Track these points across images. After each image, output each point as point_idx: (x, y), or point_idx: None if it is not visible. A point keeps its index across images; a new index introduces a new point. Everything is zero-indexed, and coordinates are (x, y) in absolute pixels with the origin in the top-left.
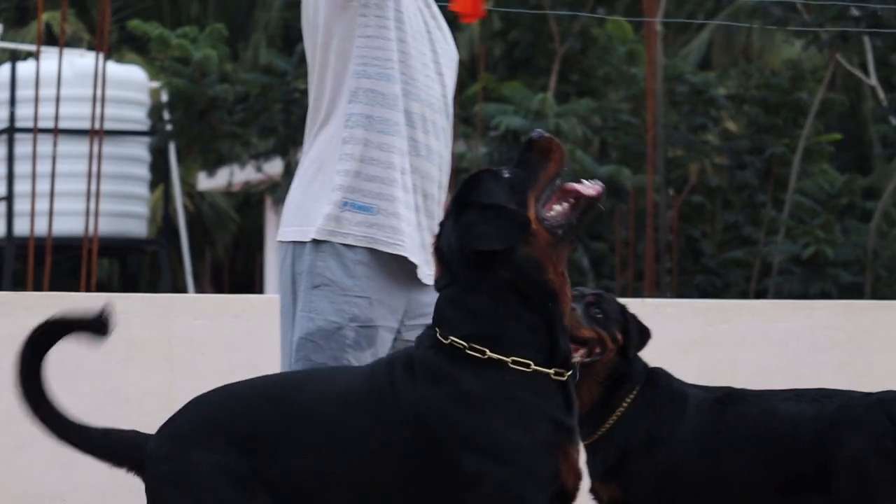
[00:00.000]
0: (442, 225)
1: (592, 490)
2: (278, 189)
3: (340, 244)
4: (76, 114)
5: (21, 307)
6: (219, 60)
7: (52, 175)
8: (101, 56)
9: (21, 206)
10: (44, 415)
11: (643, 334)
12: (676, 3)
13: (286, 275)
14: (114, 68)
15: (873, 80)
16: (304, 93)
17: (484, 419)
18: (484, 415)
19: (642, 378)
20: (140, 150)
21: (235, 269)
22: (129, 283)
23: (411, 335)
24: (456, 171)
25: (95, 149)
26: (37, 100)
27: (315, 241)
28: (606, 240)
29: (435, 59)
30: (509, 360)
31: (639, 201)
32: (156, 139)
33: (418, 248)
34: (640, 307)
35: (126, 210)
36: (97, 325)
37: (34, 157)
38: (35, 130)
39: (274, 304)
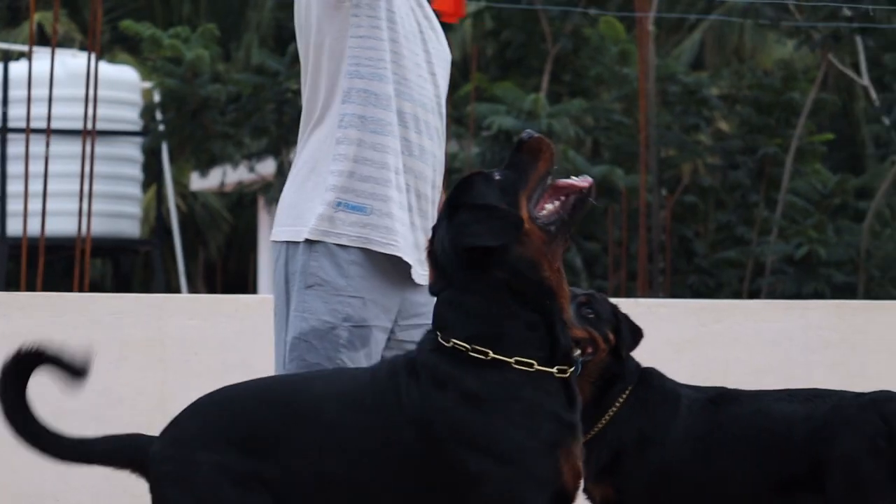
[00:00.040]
0: (435, 229)
1: (585, 490)
2: (271, 189)
3: (334, 244)
4: (68, 114)
5: (14, 307)
6: (211, 60)
7: (45, 175)
8: (93, 56)
9: (13, 206)
10: (38, 441)
11: (635, 334)
12: (668, 2)
13: (280, 275)
14: (106, 68)
15: (865, 80)
16: (297, 93)
17: (487, 420)
18: (487, 415)
19: (635, 378)
20: (133, 150)
21: (228, 270)
22: (122, 284)
23: (405, 335)
24: (448, 171)
25: (88, 149)
26: (29, 100)
27: (308, 241)
28: (599, 240)
29: (427, 59)
30: (512, 360)
31: (631, 201)
32: (148, 139)
33: (412, 248)
34: (633, 307)
35: (119, 210)
36: (76, 370)
37: (27, 157)
38: (27, 131)
39: (267, 304)
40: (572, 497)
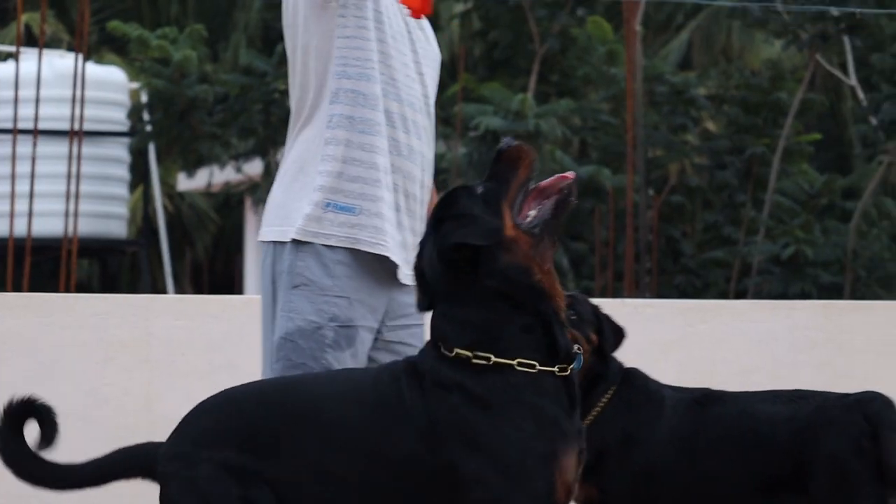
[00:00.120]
0: (422, 244)
1: None
2: (258, 190)
3: (321, 244)
4: (56, 115)
5: (2, 307)
6: (198, 61)
7: (32, 176)
8: (80, 57)
9: (0, 206)
10: (48, 479)
11: (617, 334)
12: (656, 3)
13: (267, 275)
14: (93, 69)
15: (853, 81)
16: (284, 93)
17: (490, 423)
18: (490, 419)
19: (618, 378)
20: (120, 150)
21: (215, 270)
22: (109, 284)
23: (392, 335)
24: (436, 172)
25: (75, 150)
26: (16, 101)
27: (295, 241)
28: (586, 240)
29: (415, 59)
30: (514, 362)
31: (619, 201)
32: (135, 140)
33: (400, 248)
34: (620, 307)
35: (106, 211)
36: (49, 433)
37: (13, 157)
38: (14, 131)
39: (253, 304)
40: None
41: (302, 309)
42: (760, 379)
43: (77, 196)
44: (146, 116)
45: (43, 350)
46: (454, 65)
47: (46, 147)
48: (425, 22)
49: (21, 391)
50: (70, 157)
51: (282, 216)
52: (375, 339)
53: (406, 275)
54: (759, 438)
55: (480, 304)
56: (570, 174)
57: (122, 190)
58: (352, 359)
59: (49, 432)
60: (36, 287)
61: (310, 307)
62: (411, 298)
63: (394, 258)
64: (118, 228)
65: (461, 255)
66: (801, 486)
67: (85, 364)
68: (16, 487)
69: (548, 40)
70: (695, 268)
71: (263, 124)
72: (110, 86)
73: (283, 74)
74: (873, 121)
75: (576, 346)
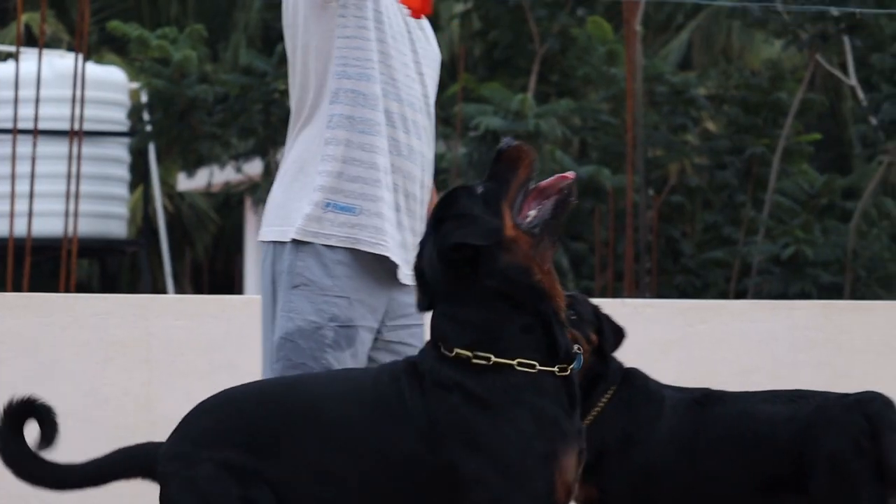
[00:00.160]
0: (422, 244)
1: None
2: (258, 190)
3: (321, 244)
4: (56, 115)
5: (2, 307)
6: (198, 61)
7: (32, 176)
8: (80, 57)
9: (0, 206)
10: (48, 479)
11: (617, 334)
12: (657, 3)
13: (267, 275)
14: (93, 69)
15: (853, 80)
16: (284, 93)
17: (490, 423)
18: (490, 419)
19: (618, 378)
20: (120, 150)
21: (215, 270)
22: (109, 284)
23: (392, 335)
24: (436, 172)
25: (75, 150)
26: (16, 101)
27: (295, 241)
28: (586, 240)
29: (415, 59)
30: (515, 362)
31: (618, 201)
32: (135, 140)
33: (399, 248)
34: (620, 307)
35: (106, 211)
36: (49, 433)
37: (13, 157)
38: (14, 131)
39: (253, 304)
40: None
41: (302, 309)
42: (760, 379)
43: (77, 196)
44: (146, 116)
45: (43, 350)
46: (454, 65)
47: (46, 147)
48: (425, 22)
49: (21, 391)
50: (70, 157)
51: (282, 216)
52: (375, 339)
53: (406, 275)
54: (760, 438)
55: (480, 304)
56: (569, 174)
57: (122, 190)
58: (352, 359)
59: (49, 432)
60: (36, 287)
61: (310, 307)
62: (411, 298)
63: (394, 258)
64: (118, 228)
65: (461, 254)
66: (802, 486)
67: (85, 364)
68: (16, 487)
69: (548, 40)
70: (695, 268)
71: (263, 124)
72: (110, 86)
73: (283, 74)
74: (873, 121)
75: (576, 346)
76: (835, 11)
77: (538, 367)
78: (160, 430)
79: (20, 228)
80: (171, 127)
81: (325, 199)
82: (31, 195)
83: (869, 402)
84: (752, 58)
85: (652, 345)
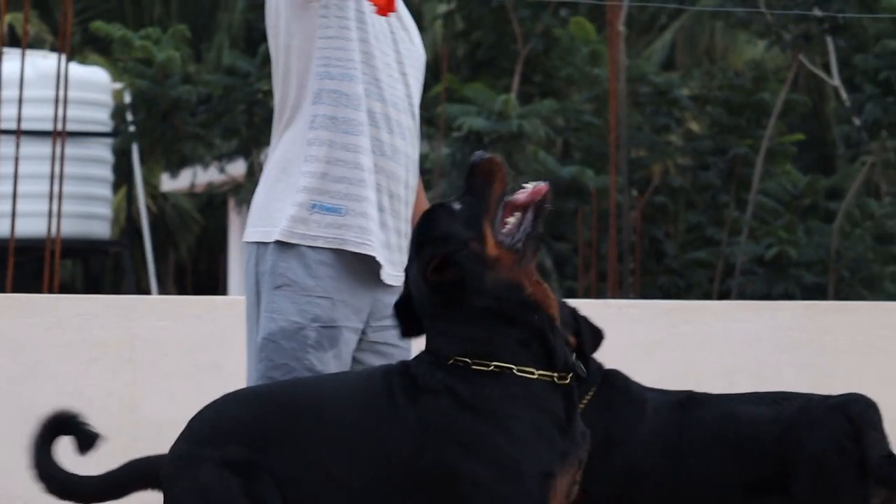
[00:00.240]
0: (407, 270)
1: None
2: (241, 190)
3: (304, 245)
4: (39, 115)
5: None
6: (181, 62)
7: (15, 176)
8: (63, 57)
9: None
10: (76, 492)
11: (596, 336)
12: (640, 2)
13: (250, 276)
14: (76, 70)
15: (836, 81)
16: (267, 94)
17: (482, 430)
18: (483, 426)
19: (598, 379)
20: (103, 151)
21: (199, 270)
22: (93, 284)
23: (377, 336)
24: (421, 172)
25: (58, 150)
26: None
27: (278, 242)
28: (569, 241)
29: (398, 60)
30: (514, 367)
31: (602, 202)
32: (119, 140)
33: (383, 248)
34: (604, 308)
35: (89, 211)
36: (86, 440)
37: None
38: None
39: (237, 305)
40: None
41: (284, 309)
42: (744, 379)
43: (60, 196)
44: (129, 117)
45: (26, 351)
46: (437, 65)
47: (29, 148)
48: (410, 23)
49: (4, 392)
50: (53, 158)
51: (265, 217)
52: (360, 340)
53: (390, 275)
54: (743, 440)
55: (473, 323)
56: (543, 185)
57: (106, 190)
58: (335, 359)
59: (86, 442)
60: (19, 288)
61: (292, 308)
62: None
63: (379, 258)
64: (101, 229)
65: (445, 279)
66: (785, 487)
67: (68, 364)
68: (11, 489)
69: (531, 41)
70: (678, 268)
71: (246, 125)
72: (93, 86)
73: (266, 75)
74: (856, 121)
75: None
76: (818, 12)
77: (537, 374)
78: (144, 431)
79: (3, 229)
80: (154, 127)
81: (310, 201)
82: (15, 196)
83: (851, 404)
84: (735, 58)
85: (635, 345)
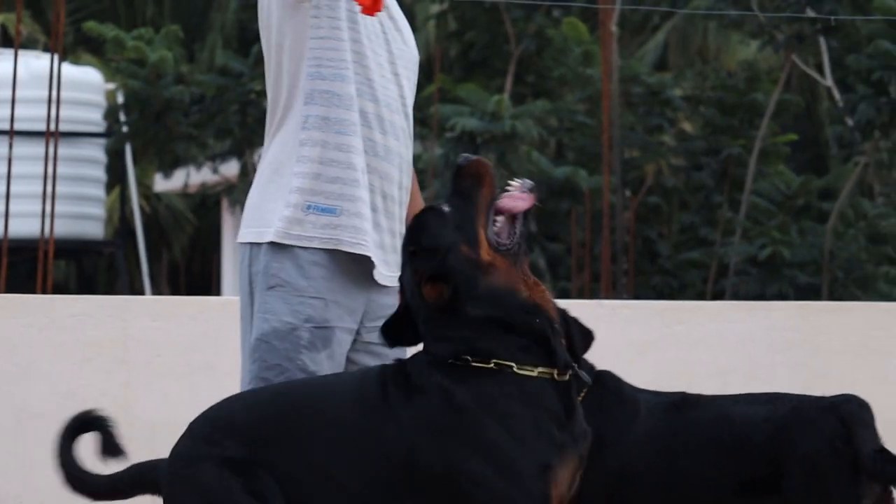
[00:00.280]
0: (401, 280)
1: None
2: (234, 190)
3: (298, 246)
4: (32, 115)
5: None
6: (174, 62)
7: (8, 177)
8: (56, 58)
9: None
10: (89, 487)
11: (586, 336)
12: (633, 2)
13: (244, 276)
14: (69, 70)
15: (829, 81)
16: (260, 94)
17: (483, 428)
18: (483, 424)
19: (589, 380)
20: (96, 151)
21: (192, 271)
22: (86, 285)
23: (371, 337)
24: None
25: (51, 150)
26: None
27: (271, 243)
28: (563, 241)
29: (391, 60)
30: (514, 365)
31: (595, 202)
32: (112, 141)
33: (377, 249)
34: (597, 308)
35: (82, 212)
36: (111, 446)
37: None
38: None
39: (230, 306)
40: None
41: (277, 310)
42: (737, 380)
43: (53, 197)
44: (122, 117)
45: (20, 351)
46: (430, 66)
47: (22, 148)
48: (403, 23)
49: None
50: (46, 158)
51: (258, 218)
52: (355, 341)
53: (384, 275)
54: (736, 440)
55: (471, 330)
56: (527, 182)
57: (99, 191)
58: (328, 360)
59: (110, 442)
60: (12, 288)
61: (285, 308)
62: (390, 300)
63: (373, 258)
64: (95, 229)
65: (442, 296)
66: (778, 487)
67: (62, 365)
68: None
69: (524, 41)
70: (671, 269)
71: (240, 125)
72: (86, 87)
73: (259, 75)
74: (849, 122)
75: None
76: (811, 13)
77: (537, 372)
78: (138, 431)
79: None
80: (147, 128)
81: (305, 202)
82: (7, 196)
83: (844, 405)
84: (728, 59)
85: (629, 346)
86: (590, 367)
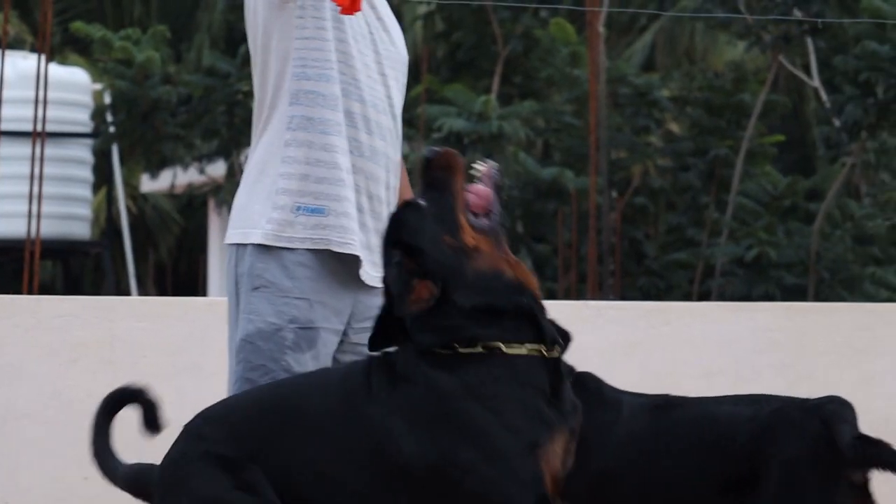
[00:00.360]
0: (385, 280)
1: None
2: (221, 191)
3: (282, 247)
4: (19, 116)
5: None
6: (161, 62)
7: None
8: (43, 58)
9: None
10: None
11: (563, 338)
12: (620, 4)
13: (230, 277)
14: (56, 70)
15: (816, 82)
16: (247, 94)
17: (469, 414)
18: (469, 411)
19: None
20: (83, 152)
21: (179, 271)
22: (73, 285)
23: (359, 338)
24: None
25: (38, 151)
26: None
27: (256, 244)
28: (549, 242)
29: (377, 61)
30: (502, 345)
31: (582, 203)
32: (99, 141)
33: (364, 249)
34: (583, 309)
35: (69, 212)
36: (153, 420)
37: None
38: None
39: (217, 306)
40: (553, 499)
41: (262, 311)
42: (723, 381)
43: (40, 197)
44: (109, 118)
45: (6, 352)
46: (417, 66)
47: (9, 148)
48: (392, 24)
49: None
50: (33, 159)
51: (244, 218)
52: (342, 342)
53: (371, 276)
54: (720, 439)
55: (458, 316)
56: (490, 163)
57: (86, 191)
58: (313, 361)
59: (152, 416)
60: None
61: (269, 309)
62: (378, 300)
63: (361, 258)
64: (81, 230)
65: (428, 288)
66: (757, 486)
67: (48, 366)
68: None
69: (511, 42)
70: (658, 269)
71: (227, 125)
72: (73, 87)
73: (246, 75)
74: (836, 122)
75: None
76: (798, 14)
77: (526, 349)
78: (123, 432)
79: None
80: (134, 128)
81: (294, 203)
82: None
83: (826, 406)
84: (715, 59)
85: (615, 347)
86: (569, 370)
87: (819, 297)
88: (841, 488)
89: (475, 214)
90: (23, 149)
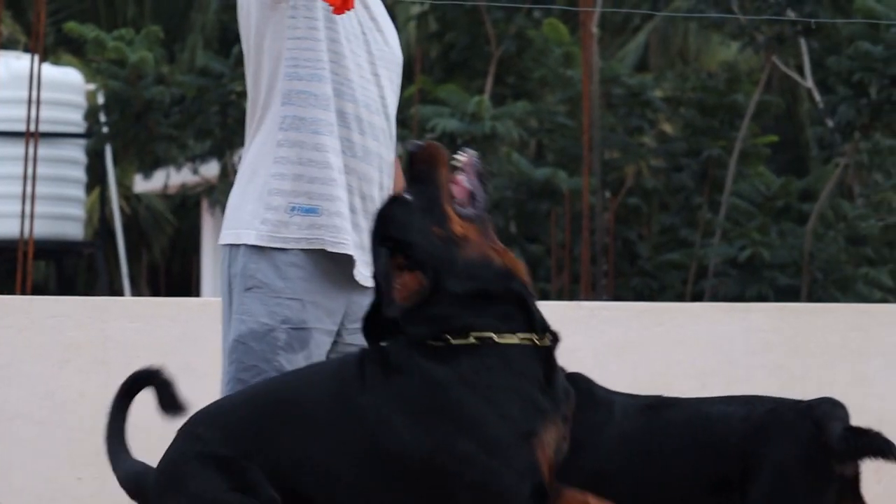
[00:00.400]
0: (374, 276)
1: None
2: (215, 191)
3: (274, 247)
4: (12, 116)
5: None
6: (155, 62)
7: None
8: (36, 58)
9: None
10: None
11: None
12: (613, 4)
13: (224, 278)
14: (50, 70)
15: (809, 83)
16: (241, 95)
17: (463, 404)
18: (463, 401)
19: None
20: (76, 152)
21: (172, 272)
22: (66, 286)
23: (352, 339)
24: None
25: (31, 151)
26: None
27: (249, 244)
28: (542, 242)
29: (370, 61)
30: (495, 335)
31: (575, 204)
32: (92, 141)
33: (356, 249)
34: (576, 310)
35: (62, 212)
36: (171, 401)
37: None
38: None
39: (210, 307)
40: (549, 490)
41: (254, 311)
42: (716, 381)
43: (33, 197)
44: (103, 118)
45: None
46: (410, 67)
47: (2, 148)
48: (386, 25)
49: None
50: (26, 159)
51: (237, 219)
52: (335, 343)
53: (364, 276)
54: (713, 439)
55: (449, 307)
56: (470, 152)
57: (79, 191)
58: (305, 361)
59: (169, 397)
60: None
61: (262, 309)
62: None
63: (354, 258)
64: (74, 230)
65: (418, 280)
66: (751, 488)
67: (41, 366)
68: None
69: (504, 42)
70: (651, 270)
71: (220, 126)
72: (67, 87)
73: (239, 76)
74: (830, 123)
75: None
76: (792, 15)
77: (518, 338)
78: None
79: None
80: (127, 128)
81: (288, 204)
82: None
83: (818, 406)
84: (708, 60)
85: (608, 347)
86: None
87: (812, 297)
88: (832, 489)
89: (461, 204)
90: (16, 149)
